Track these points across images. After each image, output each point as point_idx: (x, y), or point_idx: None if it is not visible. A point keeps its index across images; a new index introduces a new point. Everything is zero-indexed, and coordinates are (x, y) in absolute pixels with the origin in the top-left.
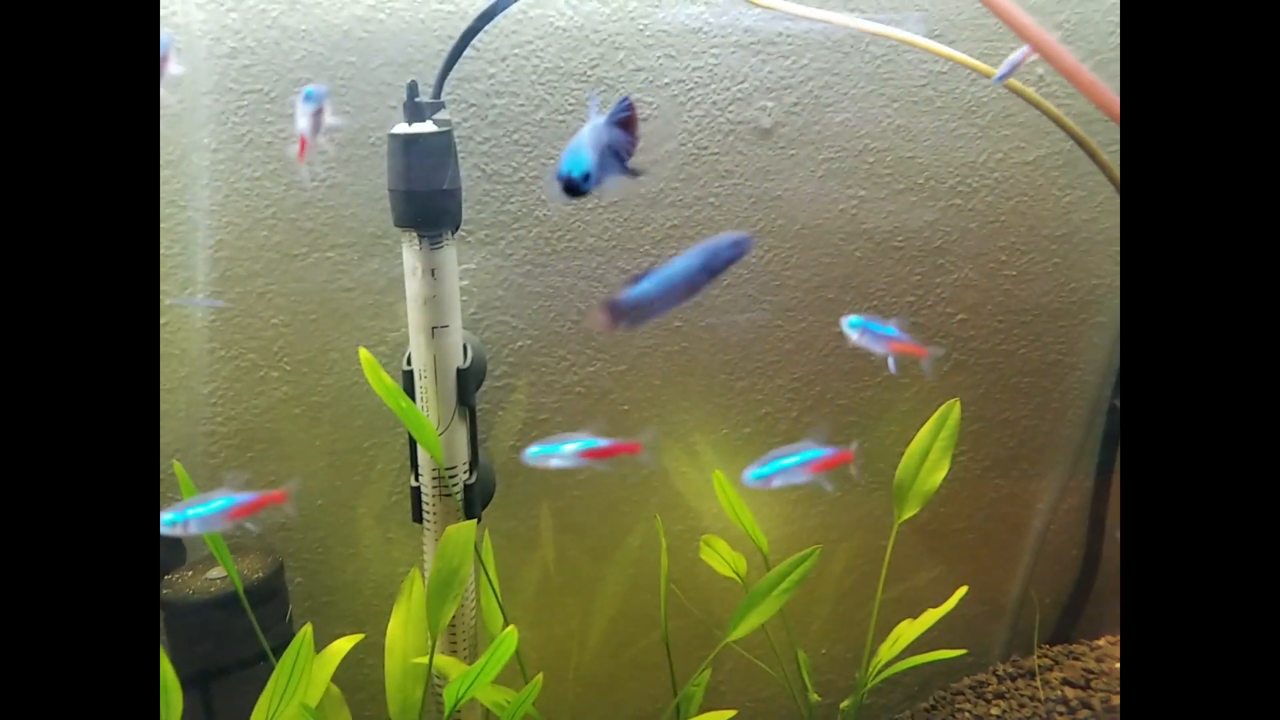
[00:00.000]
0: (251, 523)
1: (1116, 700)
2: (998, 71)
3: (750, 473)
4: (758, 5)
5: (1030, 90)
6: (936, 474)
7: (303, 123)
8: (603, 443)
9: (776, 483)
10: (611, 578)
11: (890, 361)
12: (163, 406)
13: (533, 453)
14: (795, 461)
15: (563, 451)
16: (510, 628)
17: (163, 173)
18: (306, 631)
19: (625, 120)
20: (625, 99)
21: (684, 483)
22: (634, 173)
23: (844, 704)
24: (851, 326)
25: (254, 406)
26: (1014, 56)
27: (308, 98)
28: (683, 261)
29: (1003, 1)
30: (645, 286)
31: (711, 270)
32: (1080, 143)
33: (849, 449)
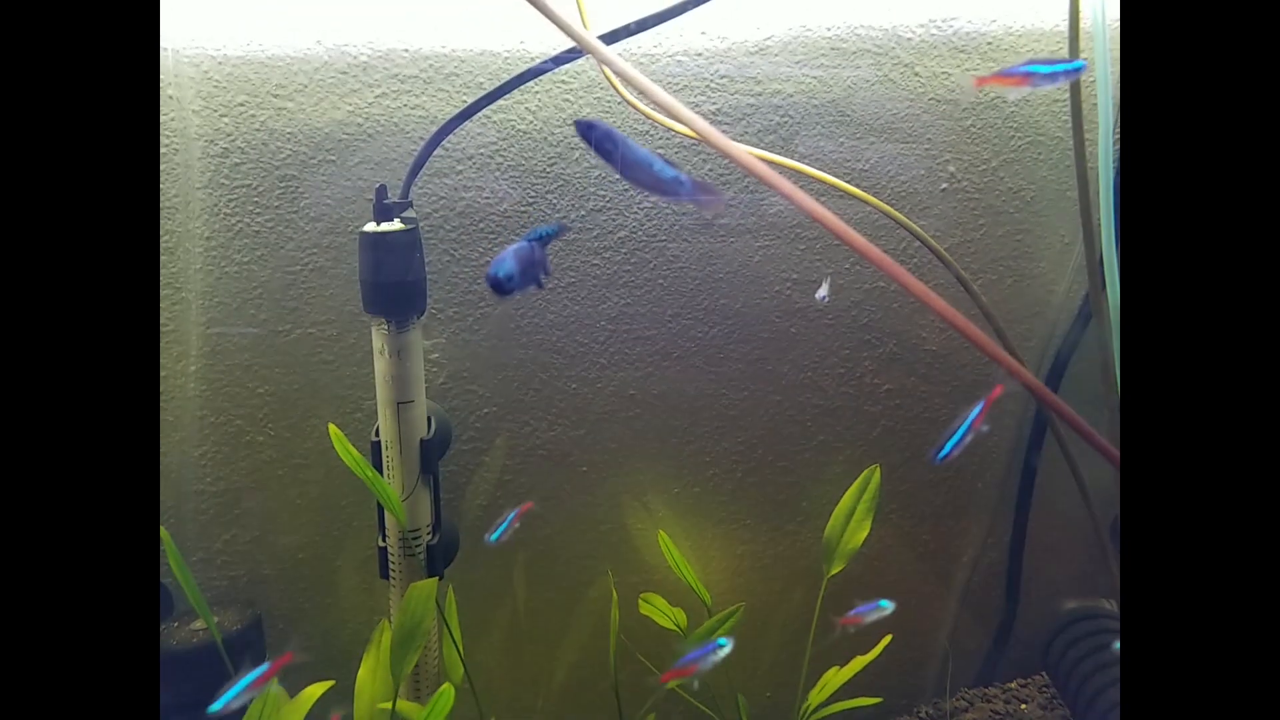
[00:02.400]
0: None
1: None
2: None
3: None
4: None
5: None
6: (860, 533)
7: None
8: None
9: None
10: (574, 626)
11: None
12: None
13: None
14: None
15: None
16: (447, 685)
17: (161, 258)
18: (271, 686)
19: (549, 237)
20: (559, 225)
21: (640, 538)
22: (541, 286)
23: None
24: None
25: (241, 468)
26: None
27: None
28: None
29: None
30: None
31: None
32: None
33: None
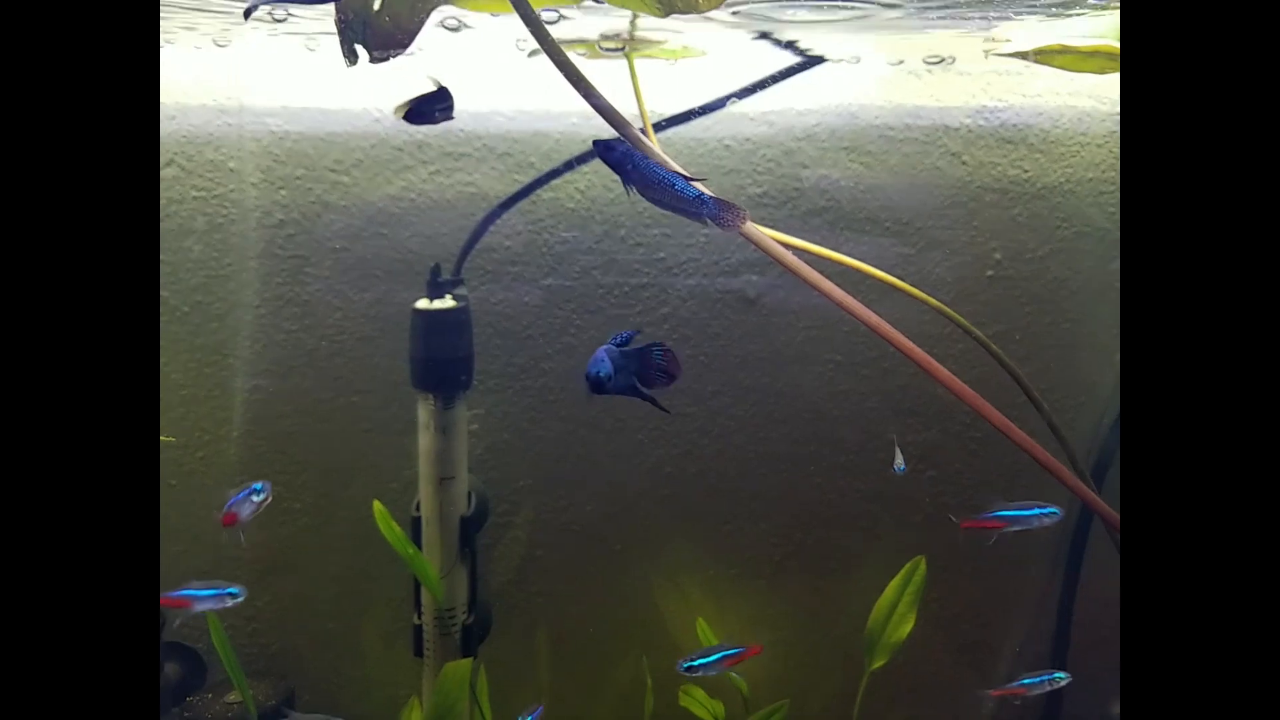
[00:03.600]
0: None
1: None
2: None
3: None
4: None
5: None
6: (903, 627)
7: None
8: None
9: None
10: (600, 710)
11: None
12: (193, 531)
13: None
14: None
15: None
16: None
17: (208, 325)
18: None
19: (657, 361)
20: (660, 346)
21: (672, 620)
22: (654, 401)
23: None
24: None
25: (277, 535)
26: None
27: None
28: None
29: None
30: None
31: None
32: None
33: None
